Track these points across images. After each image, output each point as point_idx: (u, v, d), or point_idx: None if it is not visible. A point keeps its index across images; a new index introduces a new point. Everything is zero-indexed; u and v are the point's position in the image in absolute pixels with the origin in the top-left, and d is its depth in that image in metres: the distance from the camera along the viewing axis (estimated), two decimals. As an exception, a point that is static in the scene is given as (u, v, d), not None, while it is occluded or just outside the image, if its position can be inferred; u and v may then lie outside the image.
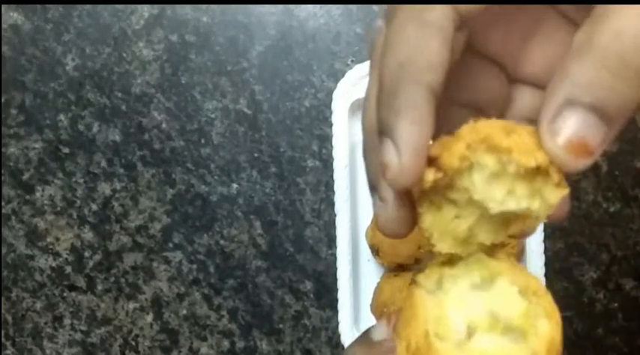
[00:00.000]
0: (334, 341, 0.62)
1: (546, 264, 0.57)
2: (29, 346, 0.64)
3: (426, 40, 0.20)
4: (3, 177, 0.64)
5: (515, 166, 0.19)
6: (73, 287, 0.64)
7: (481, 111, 0.25)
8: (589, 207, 0.61)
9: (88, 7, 0.64)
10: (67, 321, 0.63)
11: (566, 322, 0.60)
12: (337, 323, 0.59)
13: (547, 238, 0.57)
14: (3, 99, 0.64)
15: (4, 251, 0.64)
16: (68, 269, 0.64)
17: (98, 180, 0.63)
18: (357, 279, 0.60)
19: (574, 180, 0.61)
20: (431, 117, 0.20)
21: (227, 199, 0.63)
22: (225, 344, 0.62)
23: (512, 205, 0.20)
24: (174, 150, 0.63)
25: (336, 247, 0.58)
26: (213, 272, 0.63)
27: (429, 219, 0.21)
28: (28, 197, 0.64)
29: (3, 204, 0.64)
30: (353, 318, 0.59)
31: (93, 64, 0.64)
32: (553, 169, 0.20)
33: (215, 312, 0.63)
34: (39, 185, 0.64)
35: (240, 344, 0.62)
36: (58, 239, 0.64)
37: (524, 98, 0.25)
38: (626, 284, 0.60)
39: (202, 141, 0.63)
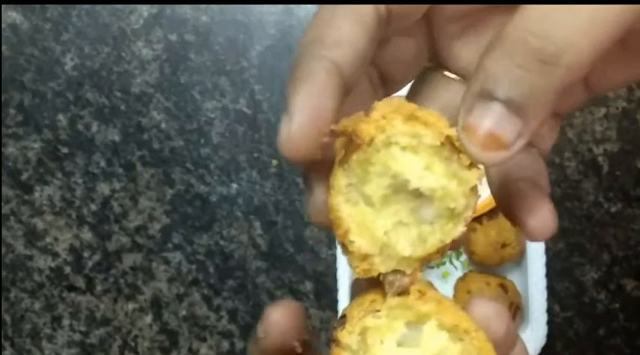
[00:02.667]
0: (334, 341, 0.61)
1: (547, 265, 0.57)
2: (28, 347, 0.63)
3: (337, 20, 0.20)
4: (2, 177, 0.64)
5: (430, 138, 0.19)
6: (72, 288, 0.63)
7: (559, 118, 0.25)
8: (590, 207, 0.60)
9: (87, 6, 0.64)
10: (66, 322, 0.63)
11: (567, 322, 0.60)
12: (337, 324, 0.58)
13: (548, 238, 0.57)
14: (2, 99, 0.64)
15: (2, 251, 0.64)
16: (67, 269, 0.63)
17: (97, 180, 0.63)
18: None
19: (575, 181, 0.61)
20: (330, 89, 0.19)
21: (227, 199, 0.62)
22: (225, 344, 0.62)
23: (430, 181, 0.19)
24: (174, 150, 0.63)
25: (336, 247, 0.58)
26: (212, 272, 0.62)
27: (347, 210, 0.20)
28: (26, 197, 0.64)
29: (2, 204, 0.64)
30: (353, 319, 0.58)
31: (92, 63, 0.64)
32: (464, 148, 0.19)
33: (215, 313, 0.62)
34: (38, 185, 0.64)
35: (239, 345, 0.62)
36: (57, 239, 0.63)
37: None
38: (627, 285, 0.60)
39: (202, 141, 0.63)
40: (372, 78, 0.23)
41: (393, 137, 0.19)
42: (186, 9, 0.63)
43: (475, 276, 0.59)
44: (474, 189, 0.19)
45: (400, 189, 0.20)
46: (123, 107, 0.63)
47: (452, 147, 0.19)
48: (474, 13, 0.22)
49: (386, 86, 0.24)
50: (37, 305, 0.63)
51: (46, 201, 0.64)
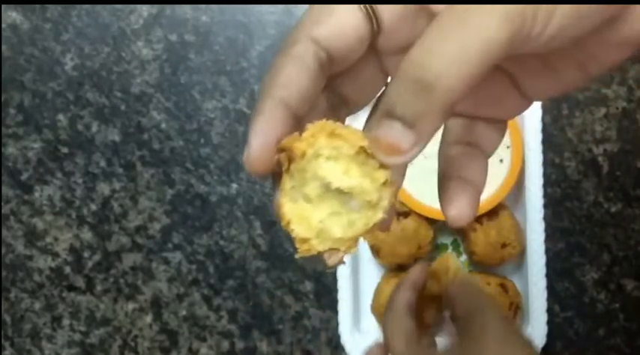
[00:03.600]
0: (334, 341, 0.61)
1: (547, 265, 0.57)
2: (28, 347, 0.63)
3: (284, 66, 0.26)
4: (2, 177, 0.64)
5: (347, 148, 0.25)
6: (72, 288, 0.63)
7: (503, 123, 0.30)
8: (590, 207, 0.60)
9: (87, 6, 0.64)
10: (66, 322, 0.63)
11: (567, 322, 0.60)
12: (337, 324, 0.59)
13: (548, 239, 0.57)
14: (2, 99, 0.64)
15: (2, 251, 0.64)
16: (67, 269, 0.63)
17: (97, 180, 0.63)
18: (357, 280, 0.60)
19: (575, 181, 0.61)
20: (278, 120, 0.25)
21: (227, 199, 0.62)
22: (225, 344, 0.62)
23: (348, 182, 0.26)
24: (174, 150, 0.63)
25: (336, 247, 0.58)
26: (212, 272, 0.62)
27: (288, 205, 0.27)
28: (26, 197, 0.64)
29: (2, 204, 0.64)
30: (353, 319, 0.58)
31: (92, 63, 0.64)
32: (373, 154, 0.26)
33: (215, 313, 0.62)
34: (38, 185, 0.64)
35: (239, 345, 0.62)
36: (56, 239, 0.63)
37: None
38: (627, 285, 0.60)
39: (202, 141, 0.63)
40: (333, 101, 0.29)
41: (319, 150, 0.26)
42: (186, 9, 0.63)
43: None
44: (385, 184, 0.26)
45: (328, 189, 0.26)
46: (123, 107, 0.63)
47: (366, 154, 0.25)
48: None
49: (348, 107, 0.29)
50: (37, 305, 0.63)
51: (46, 201, 0.64)
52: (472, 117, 0.30)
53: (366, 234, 0.27)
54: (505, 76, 0.29)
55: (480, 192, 0.29)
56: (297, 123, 0.26)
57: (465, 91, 0.23)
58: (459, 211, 0.28)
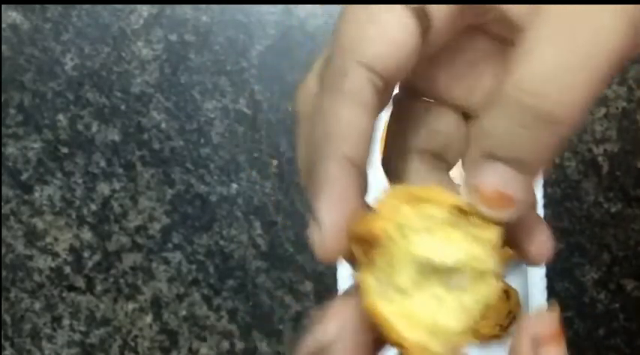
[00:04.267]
0: (334, 341, 0.61)
1: (547, 265, 0.57)
2: (28, 347, 0.63)
3: (338, 109, 0.20)
4: (2, 177, 0.64)
5: (438, 213, 0.20)
6: (72, 288, 0.63)
7: (439, 156, 0.24)
8: (590, 207, 0.60)
9: (87, 6, 0.64)
10: (66, 322, 0.63)
11: (567, 322, 0.60)
12: (337, 324, 0.58)
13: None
14: (2, 99, 0.64)
15: (2, 251, 0.64)
16: (67, 269, 0.63)
17: (97, 180, 0.63)
18: (357, 280, 0.60)
19: (575, 181, 0.61)
20: (351, 190, 0.20)
21: (227, 199, 0.62)
22: (225, 344, 0.62)
23: (455, 254, 0.20)
24: (174, 150, 0.63)
25: (336, 247, 0.58)
26: (212, 272, 0.62)
27: (384, 310, 0.20)
28: (26, 197, 0.64)
29: (2, 204, 0.64)
30: (353, 319, 0.58)
31: (92, 63, 0.64)
32: (474, 209, 0.20)
33: (215, 313, 0.62)
34: (38, 185, 0.64)
35: (240, 345, 0.62)
36: (56, 239, 0.63)
37: None
38: (627, 285, 0.60)
39: (202, 141, 0.63)
40: None
41: (407, 224, 0.20)
42: (186, 9, 0.63)
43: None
44: (495, 245, 0.20)
45: (427, 269, 0.20)
46: (123, 107, 0.63)
47: (461, 212, 0.20)
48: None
49: None
50: (37, 305, 0.63)
51: (46, 201, 0.64)
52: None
53: (489, 324, 0.22)
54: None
55: None
56: (365, 180, 0.21)
57: (583, 117, 0.19)
58: (542, 248, 0.23)
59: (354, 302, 0.21)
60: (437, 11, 0.20)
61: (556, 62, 0.18)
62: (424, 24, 0.20)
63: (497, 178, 0.19)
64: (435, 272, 0.20)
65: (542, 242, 0.23)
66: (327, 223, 0.20)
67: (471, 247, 0.20)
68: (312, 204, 0.20)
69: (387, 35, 0.20)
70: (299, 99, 0.23)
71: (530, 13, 0.19)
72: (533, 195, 0.19)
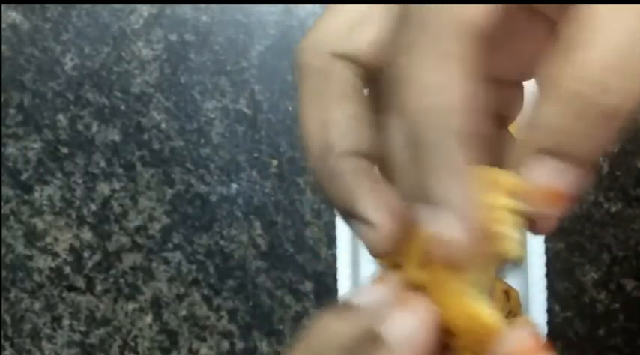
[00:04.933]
0: (334, 341, 0.61)
1: (547, 265, 0.57)
2: (28, 347, 0.63)
3: (450, 77, 0.17)
4: (2, 177, 0.64)
5: (505, 199, 0.18)
6: (72, 288, 0.63)
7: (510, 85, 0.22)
8: (590, 207, 0.60)
9: (87, 6, 0.64)
10: (66, 322, 0.63)
11: (567, 322, 0.60)
12: (337, 324, 0.58)
13: (548, 238, 0.57)
14: (2, 99, 0.64)
15: (2, 251, 0.64)
16: (67, 269, 0.63)
17: (97, 180, 0.63)
18: (357, 280, 0.60)
19: (575, 180, 0.61)
20: (382, 190, 0.20)
21: (227, 199, 0.62)
22: (225, 344, 0.62)
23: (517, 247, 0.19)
24: (174, 150, 0.63)
25: (336, 247, 0.58)
26: (212, 272, 0.62)
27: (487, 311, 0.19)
28: (26, 197, 0.64)
29: (2, 204, 0.64)
30: (353, 319, 0.58)
31: (92, 63, 0.64)
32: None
33: (215, 313, 0.62)
34: (38, 185, 0.64)
35: (239, 345, 0.62)
36: (57, 239, 0.63)
37: None
38: (627, 285, 0.60)
39: (202, 141, 0.63)
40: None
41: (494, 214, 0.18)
42: (186, 9, 0.63)
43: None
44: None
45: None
46: (123, 107, 0.63)
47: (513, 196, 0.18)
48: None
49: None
50: (37, 305, 0.63)
51: (46, 201, 0.63)
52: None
53: None
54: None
55: None
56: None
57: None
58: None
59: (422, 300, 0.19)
60: None
61: (619, 48, 0.16)
62: None
63: (550, 175, 0.17)
64: None
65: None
66: (467, 216, 0.17)
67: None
68: (432, 194, 0.18)
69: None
70: (306, 53, 0.21)
71: (593, 7, 0.17)
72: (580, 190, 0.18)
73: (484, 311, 0.19)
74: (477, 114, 0.18)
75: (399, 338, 0.19)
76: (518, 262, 0.19)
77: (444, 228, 0.18)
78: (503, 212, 0.18)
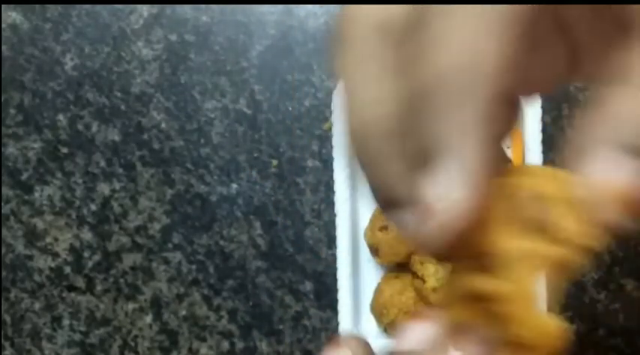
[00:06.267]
0: (334, 341, 0.61)
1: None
2: (28, 347, 0.63)
3: (487, 36, 0.15)
4: (2, 177, 0.64)
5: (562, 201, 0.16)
6: (72, 288, 0.63)
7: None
8: (590, 207, 0.60)
9: (87, 6, 0.64)
10: (66, 322, 0.63)
11: (567, 322, 0.60)
12: (337, 324, 0.59)
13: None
14: (2, 99, 0.64)
15: (2, 251, 0.64)
16: (67, 269, 0.63)
17: (97, 180, 0.63)
18: (357, 280, 0.60)
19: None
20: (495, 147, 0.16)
21: (227, 199, 0.62)
22: (225, 344, 0.62)
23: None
24: (174, 150, 0.63)
25: (336, 247, 0.58)
26: (212, 272, 0.62)
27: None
28: (26, 197, 0.64)
29: (2, 204, 0.64)
30: (353, 319, 0.58)
31: (92, 63, 0.64)
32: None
33: (215, 313, 0.62)
34: (38, 185, 0.64)
35: (239, 345, 0.62)
36: (56, 239, 0.63)
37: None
38: (627, 285, 0.60)
39: (202, 141, 0.63)
40: None
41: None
42: (186, 9, 0.63)
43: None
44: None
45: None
46: (123, 107, 0.63)
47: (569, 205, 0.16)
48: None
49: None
50: (37, 305, 0.63)
51: (46, 201, 0.64)
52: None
53: None
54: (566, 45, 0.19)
55: None
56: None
57: None
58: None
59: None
60: None
61: None
62: None
63: (627, 173, 0.14)
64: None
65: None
66: (475, 169, 0.15)
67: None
68: (443, 145, 0.15)
69: None
70: (352, 18, 0.18)
71: None
72: None
73: (551, 321, 0.17)
74: (510, 82, 0.16)
75: None
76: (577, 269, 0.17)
77: (448, 186, 0.15)
78: (567, 212, 0.16)
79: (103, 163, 0.63)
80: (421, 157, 0.16)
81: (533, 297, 0.17)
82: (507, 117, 0.18)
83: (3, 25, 0.64)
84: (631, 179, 0.14)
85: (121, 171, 0.63)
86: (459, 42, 0.15)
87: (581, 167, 0.15)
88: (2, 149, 0.64)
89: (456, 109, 0.15)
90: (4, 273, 0.64)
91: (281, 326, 0.62)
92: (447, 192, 0.15)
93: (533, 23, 0.17)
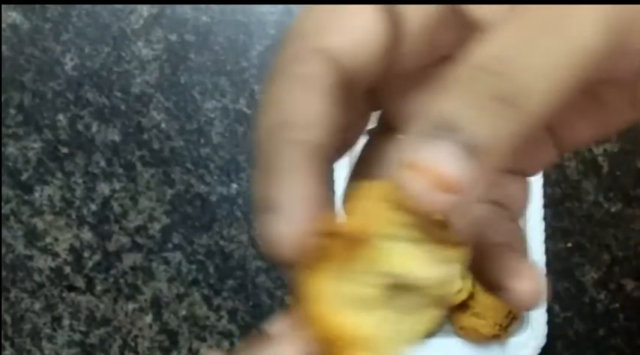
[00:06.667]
0: (334, 341, 0.61)
1: (547, 265, 0.57)
2: (28, 347, 0.63)
3: (300, 96, 0.18)
4: (2, 177, 0.64)
5: (410, 218, 0.17)
6: (72, 288, 0.63)
7: (524, 178, 0.23)
8: (590, 207, 0.60)
9: (87, 6, 0.64)
10: (66, 322, 0.63)
11: (567, 322, 0.60)
12: (337, 324, 0.58)
13: (548, 239, 0.57)
14: (2, 99, 0.64)
15: (3, 251, 0.64)
16: (67, 269, 0.63)
17: (97, 180, 0.63)
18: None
19: (575, 181, 0.61)
20: (314, 178, 0.18)
21: (227, 199, 0.62)
22: (225, 344, 0.62)
23: (428, 271, 0.17)
24: (174, 150, 0.63)
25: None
26: (212, 272, 0.62)
27: (342, 321, 0.17)
28: (26, 197, 0.64)
29: (2, 204, 0.64)
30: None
31: (92, 63, 0.64)
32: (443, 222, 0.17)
33: (215, 313, 0.62)
34: (38, 185, 0.64)
35: (239, 345, 0.62)
36: (57, 239, 0.63)
37: None
38: (627, 285, 0.60)
39: (202, 141, 0.63)
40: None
41: (387, 231, 0.17)
42: (186, 9, 0.63)
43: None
44: (461, 270, 0.18)
45: (394, 285, 0.18)
46: (123, 107, 0.63)
47: (431, 223, 0.17)
48: (423, 69, 0.21)
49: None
50: (37, 305, 0.63)
51: (46, 201, 0.63)
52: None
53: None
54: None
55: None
56: (330, 173, 0.19)
57: (551, 112, 0.16)
58: (531, 286, 0.20)
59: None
60: (411, 13, 0.19)
61: (526, 51, 0.16)
62: (396, 24, 0.19)
63: (443, 157, 0.16)
64: (398, 289, 0.18)
65: (529, 279, 0.20)
66: (289, 211, 0.17)
67: (440, 269, 0.18)
68: (266, 195, 0.18)
69: (353, 25, 0.18)
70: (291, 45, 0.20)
71: (505, 15, 0.17)
72: (479, 192, 0.16)
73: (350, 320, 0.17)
74: (329, 131, 0.18)
75: None
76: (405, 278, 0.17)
77: (265, 225, 0.17)
78: (388, 220, 0.17)
79: (103, 163, 0.63)
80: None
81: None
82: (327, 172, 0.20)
83: (3, 25, 0.64)
84: (440, 158, 0.16)
85: (121, 171, 0.63)
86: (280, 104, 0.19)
87: (404, 150, 0.17)
88: (2, 149, 0.64)
89: (270, 163, 0.18)
90: (4, 273, 0.64)
91: (281, 326, 0.62)
92: (276, 232, 0.18)
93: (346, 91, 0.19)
